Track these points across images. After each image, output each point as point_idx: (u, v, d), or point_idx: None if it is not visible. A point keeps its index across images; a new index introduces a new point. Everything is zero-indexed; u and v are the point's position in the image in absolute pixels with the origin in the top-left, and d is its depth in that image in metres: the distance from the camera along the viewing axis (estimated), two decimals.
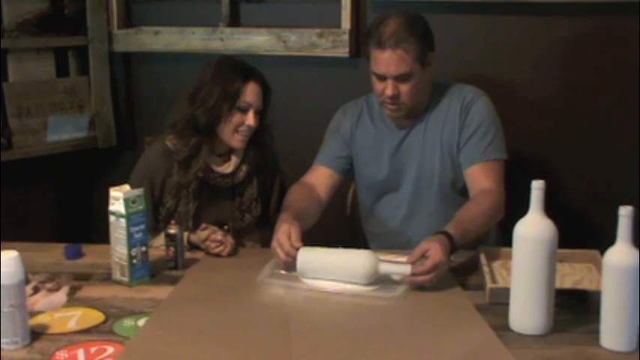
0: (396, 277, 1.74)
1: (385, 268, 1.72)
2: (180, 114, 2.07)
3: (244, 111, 2.02)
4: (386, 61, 1.98)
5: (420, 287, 1.70)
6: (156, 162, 2.08)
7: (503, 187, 2.02)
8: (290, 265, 1.78)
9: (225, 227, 2.07)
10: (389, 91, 2.00)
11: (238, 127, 2.03)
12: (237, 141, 2.05)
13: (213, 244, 1.96)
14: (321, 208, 2.12)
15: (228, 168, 2.11)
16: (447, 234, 1.76)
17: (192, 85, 2.08)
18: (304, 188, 2.13)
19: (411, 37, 1.98)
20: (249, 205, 2.15)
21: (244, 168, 2.12)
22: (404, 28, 1.98)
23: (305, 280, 1.76)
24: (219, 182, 2.10)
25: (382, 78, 2.01)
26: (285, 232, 1.79)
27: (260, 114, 2.06)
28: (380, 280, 1.73)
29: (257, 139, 2.11)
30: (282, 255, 1.78)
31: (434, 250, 1.68)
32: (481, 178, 2.02)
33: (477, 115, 2.07)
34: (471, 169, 2.05)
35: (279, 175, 2.24)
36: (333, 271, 1.74)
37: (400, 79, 1.99)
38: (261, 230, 2.21)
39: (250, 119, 2.02)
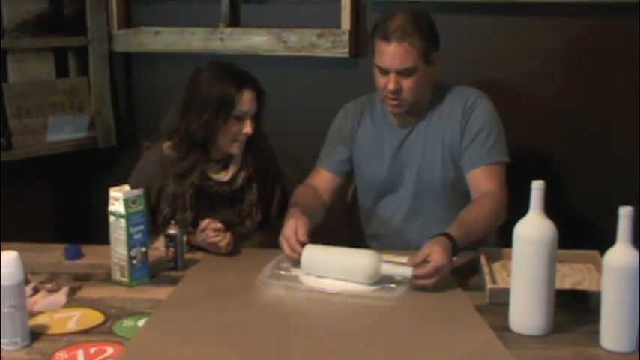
0: (398, 278, 1.74)
1: (387, 269, 1.73)
2: (175, 122, 2.03)
3: (241, 119, 2.00)
4: (391, 54, 1.98)
5: (421, 288, 1.70)
6: (152, 170, 2.06)
7: (505, 190, 2.02)
8: (295, 260, 1.80)
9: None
10: (391, 85, 2.00)
11: (236, 135, 2.01)
12: (234, 148, 2.04)
13: (212, 233, 1.92)
14: (326, 210, 2.13)
15: (225, 176, 2.08)
16: (449, 236, 1.76)
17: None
18: (309, 189, 2.15)
19: (417, 32, 1.98)
20: (249, 212, 2.11)
21: (242, 175, 2.09)
22: (411, 23, 1.99)
23: (305, 280, 1.77)
24: (216, 190, 2.07)
25: (385, 72, 2.01)
26: (291, 227, 1.83)
27: (254, 118, 2.03)
28: (382, 280, 1.73)
29: (253, 142, 2.08)
30: (287, 249, 1.81)
31: (436, 254, 1.69)
32: (483, 181, 2.02)
33: (478, 119, 2.07)
34: (472, 173, 2.05)
35: (280, 178, 2.22)
36: (336, 269, 1.76)
37: (403, 73, 1.99)
38: (262, 234, 2.19)
39: (248, 127, 2.00)
